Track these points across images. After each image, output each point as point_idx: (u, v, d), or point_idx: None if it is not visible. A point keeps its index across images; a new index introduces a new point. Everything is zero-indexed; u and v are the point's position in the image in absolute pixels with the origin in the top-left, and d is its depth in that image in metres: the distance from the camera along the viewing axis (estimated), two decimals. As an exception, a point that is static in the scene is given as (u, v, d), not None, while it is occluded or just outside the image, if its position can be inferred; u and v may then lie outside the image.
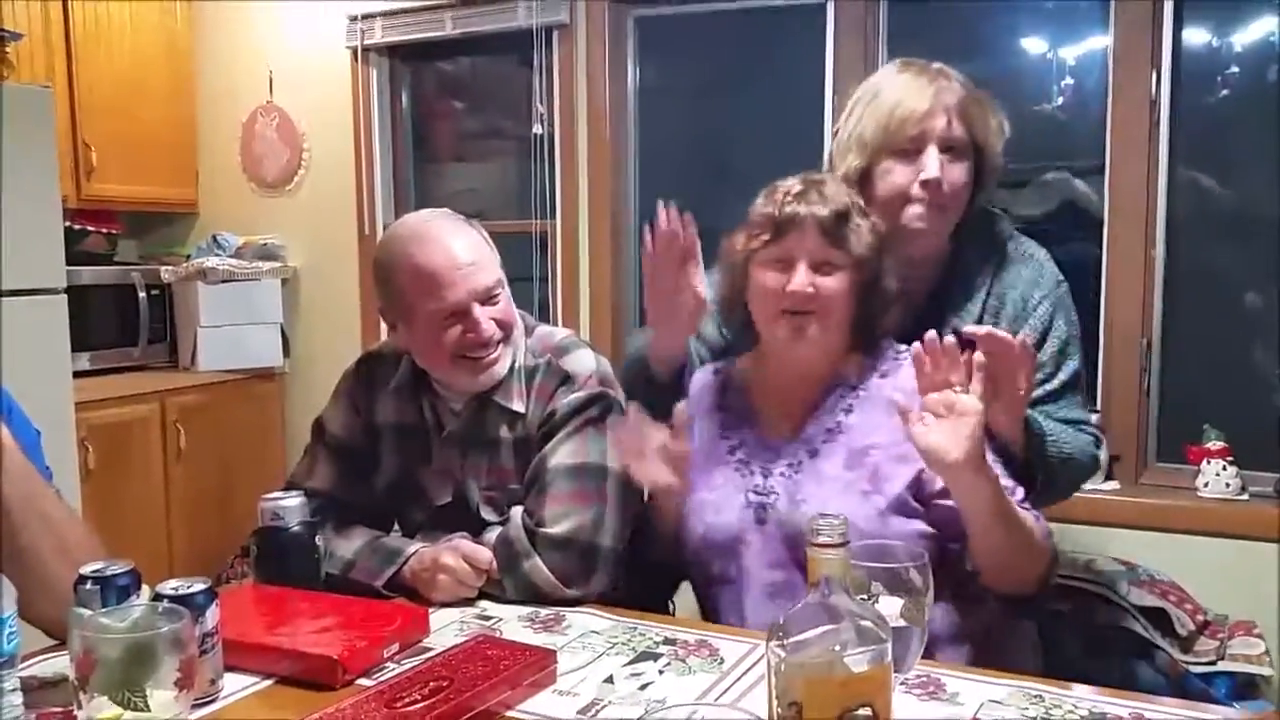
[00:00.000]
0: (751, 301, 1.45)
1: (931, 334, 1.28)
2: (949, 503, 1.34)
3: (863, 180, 1.56)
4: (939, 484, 1.35)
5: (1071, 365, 1.57)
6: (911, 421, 1.25)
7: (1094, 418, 1.70)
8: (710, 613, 1.48)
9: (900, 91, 1.54)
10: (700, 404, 1.54)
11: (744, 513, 1.42)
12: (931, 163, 1.51)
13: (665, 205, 1.48)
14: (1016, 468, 1.42)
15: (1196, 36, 2.60)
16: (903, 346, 1.46)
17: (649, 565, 1.54)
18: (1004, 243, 1.62)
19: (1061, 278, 1.61)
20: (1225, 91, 2.59)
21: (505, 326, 1.52)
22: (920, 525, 1.36)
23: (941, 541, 1.36)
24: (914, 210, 1.52)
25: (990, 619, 1.40)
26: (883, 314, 1.45)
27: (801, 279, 1.37)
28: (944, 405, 1.24)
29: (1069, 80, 2.78)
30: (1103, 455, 1.62)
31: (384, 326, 1.61)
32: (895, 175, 1.53)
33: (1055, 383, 1.54)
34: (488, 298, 1.50)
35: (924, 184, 1.51)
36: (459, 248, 1.49)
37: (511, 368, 1.55)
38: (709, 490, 1.46)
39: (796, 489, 1.40)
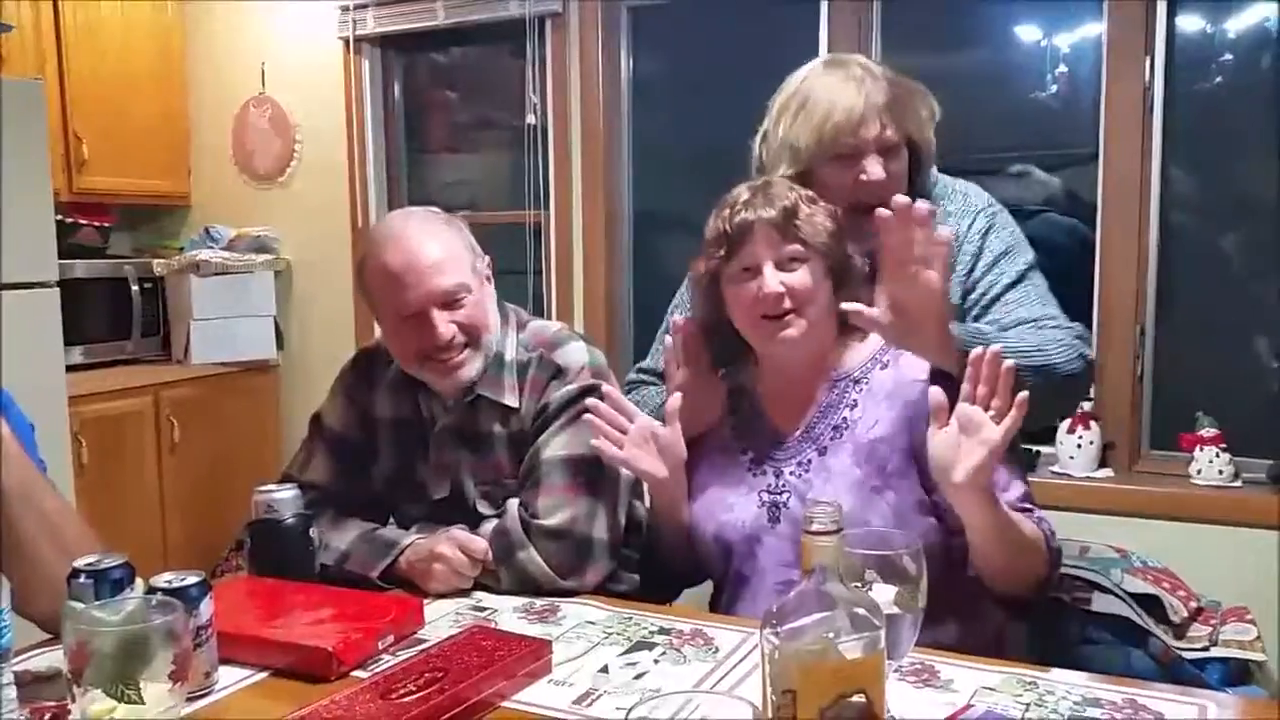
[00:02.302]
0: (733, 317, 1.45)
1: (996, 348, 1.22)
2: None
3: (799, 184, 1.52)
4: None
5: (1019, 263, 1.55)
6: (936, 424, 1.23)
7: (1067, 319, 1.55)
8: (725, 609, 1.46)
9: (829, 99, 1.51)
10: None
11: (758, 511, 1.42)
12: (874, 169, 1.51)
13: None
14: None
15: (1190, 23, 2.60)
16: None
17: (659, 566, 1.55)
18: (929, 195, 1.61)
19: (992, 201, 1.62)
20: (1219, 78, 2.59)
21: (470, 330, 1.50)
22: (933, 522, 1.35)
23: (953, 541, 1.34)
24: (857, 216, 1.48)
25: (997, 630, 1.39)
26: (858, 292, 1.42)
27: (770, 282, 1.37)
28: (972, 424, 1.20)
29: (1063, 68, 2.78)
30: (1089, 351, 1.51)
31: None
32: (833, 181, 1.52)
33: (999, 286, 1.53)
34: (448, 301, 1.48)
35: (865, 185, 1.50)
36: (423, 249, 1.47)
37: (504, 362, 1.55)
38: (721, 489, 1.46)
39: (807, 487, 1.40)
